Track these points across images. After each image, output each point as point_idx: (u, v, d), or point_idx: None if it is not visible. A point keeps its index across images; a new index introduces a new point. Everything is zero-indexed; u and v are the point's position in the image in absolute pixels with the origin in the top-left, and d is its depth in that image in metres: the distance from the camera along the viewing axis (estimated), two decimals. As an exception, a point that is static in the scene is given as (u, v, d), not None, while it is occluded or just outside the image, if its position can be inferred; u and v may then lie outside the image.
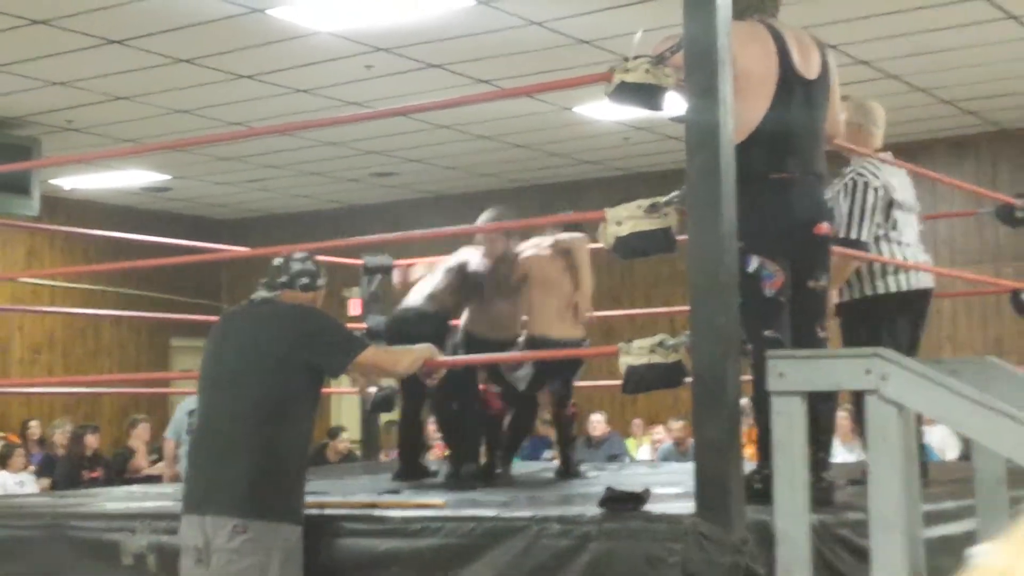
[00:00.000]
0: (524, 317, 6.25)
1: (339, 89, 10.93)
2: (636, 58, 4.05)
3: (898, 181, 5.81)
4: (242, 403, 4.32)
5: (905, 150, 6.21)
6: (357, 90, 10.94)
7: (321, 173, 14.67)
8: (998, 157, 13.06)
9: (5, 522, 5.36)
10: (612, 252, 4.17)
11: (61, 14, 8.94)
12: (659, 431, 12.38)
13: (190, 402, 9.86)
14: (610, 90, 4.11)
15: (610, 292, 12.78)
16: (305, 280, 4.59)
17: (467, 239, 6.51)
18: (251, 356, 4.40)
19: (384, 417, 8.69)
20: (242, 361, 4.41)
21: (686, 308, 3.91)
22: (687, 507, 3.84)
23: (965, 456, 9.24)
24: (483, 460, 6.25)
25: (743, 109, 4.26)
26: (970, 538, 4.35)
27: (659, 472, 7.04)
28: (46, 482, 11.47)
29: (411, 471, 6.47)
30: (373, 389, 6.36)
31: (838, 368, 3.79)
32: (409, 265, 6.80)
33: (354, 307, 8.06)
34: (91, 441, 11.86)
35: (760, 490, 4.11)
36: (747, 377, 4.24)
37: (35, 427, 13.59)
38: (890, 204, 5.68)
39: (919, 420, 4.91)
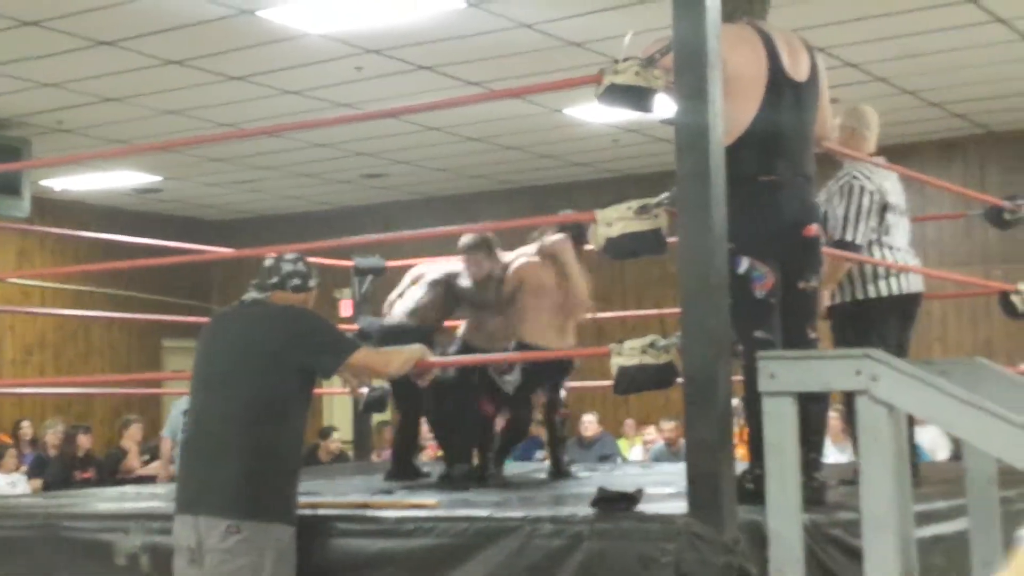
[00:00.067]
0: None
1: (329, 91, 10.93)
2: (626, 60, 4.06)
3: (891, 185, 5.84)
4: (234, 404, 4.32)
5: (893, 152, 6.22)
6: (347, 92, 10.95)
7: (312, 174, 14.66)
8: (986, 159, 13.10)
9: (-2, 523, 5.36)
10: (603, 253, 4.18)
11: (51, 15, 8.94)
12: (651, 432, 12.40)
13: (185, 401, 9.86)
14: (600, 92, 4.12)
15: (601, 293, 12.77)
16: (296, 281, 4.59)
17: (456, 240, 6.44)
18: (242, 357, 4.40)
19: (376, 418, 8.69)
20: (233, 362, 4.41)
21: (677, 309, 3.92)
22: (679, 507, 3.86)
23: (956, 456, 9.27)
24: (475, 461, 6.27)
25: (733, 111, 4.27)
26: (961, 538, 4.37)
27: (651, 472, 7.05)
28: (38, 483, 11.46)
29: (404, 471, 6.48)
30: (365, 390, 6.37)
31: (828, 369, 3.81)
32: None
33: (345, 308, 8.07)
34: (83, 442, 11.86)
35: (752, 490, 4.12)
36: (738, 378, 4.26)
37: (27, 428, 13.58)
38: (884, 208, 5.72)
39: (910, 421, 4.94)
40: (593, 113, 11.74)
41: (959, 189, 7.87)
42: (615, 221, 4.09)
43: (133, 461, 12.10)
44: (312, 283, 4.65)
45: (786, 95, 4.55)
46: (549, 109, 11.71)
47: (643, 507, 4.04)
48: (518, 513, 4.16)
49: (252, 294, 4.58)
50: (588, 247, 6.04)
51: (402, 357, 4.75)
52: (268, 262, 4.64)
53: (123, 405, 14.66)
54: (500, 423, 6.50)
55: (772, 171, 4.50)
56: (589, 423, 12.29)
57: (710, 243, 3.85)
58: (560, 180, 14.93)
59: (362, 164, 14.11)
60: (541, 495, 5.52)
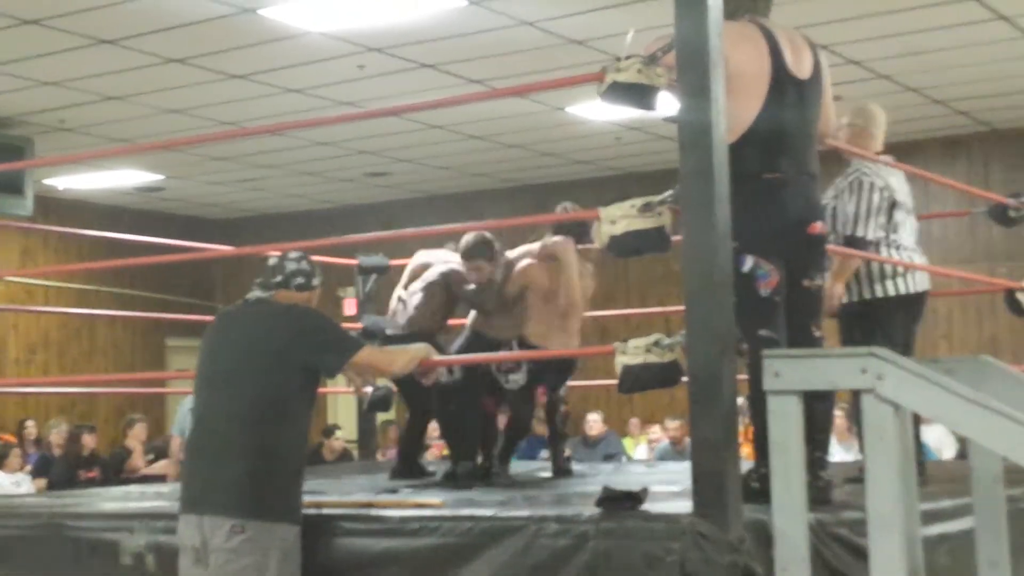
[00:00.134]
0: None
1: (331, 89, 10.93)
2: (628, 58, 4.05)
3: (898, 183, 5.84)
4: (238, 403, 4.32)
5: (897, 150, 6.21)
6: (349, 90, 10.94)
7: (314, 173, 14.66)
8: (990, 157, 13.09)
9: (3, 522, 5.35)
10: (606, 251, 4.18)
11: (53, 14, 8.93)
12: (655, 430, 12.37)
13: (191, 399, 9.86)
14: (602, 90, 4.11)
15: (605, 292, 12.77)
16: (300, 280, 4.58)
17: (459, 238, 6.41)
18: (247, 356, 4.39)
19: (381, 417, 8.68)
20: (238, 361, 4.40)
21: (681, 308, 3.92)
22: (685, 506, 3.85)
23: (962, 455, 9.27)
24: (480, 460, 6.27)
25: (736, 109, 4.26)
26: (967, 536, 4.37)
27: (656, 471, 7.05)
28: (42, 482, 11.45)
29: (409, 470, 6.48)
30: (369, 389, 6.37)
31: (834, 367, 3.80)
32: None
33: (349, 307, 8.07)
34: (87, 441, 11.84)
35: (757, 489, 4.12)
36: (743, 376, 4.25)
37: (31, 427, 13.57)
38: (893, 205, 5.72)
39: (916, 419, 4.93)
40: (595, 111, 11.74)
41: (963, 187, 7.87)
42: (619, 219, 4.09)
43: (137, 460, 12.09)
44: (316, 281, 4.64)
45: (789, 92, 4.54)
46: (551, 107, 11.70)
47: (648, 506, 4.03)
48: (523, 512, 4.16)
49: (256, 292, 4.57)
50: (588, 246, 6.06)
51: (406, 356, 4.74)
52: (272, 260, 4.64)
53: (127, 404, 14.65)
54: (501, 420, 6.51)
55: (776, 169, 4.49)
56: (594, 422, 12.27)
57: (714, 241, 3.84)
58: (562, 178, 14.92)
59: (364, 162, 14.10)
60: (546, 494, 5.51)
